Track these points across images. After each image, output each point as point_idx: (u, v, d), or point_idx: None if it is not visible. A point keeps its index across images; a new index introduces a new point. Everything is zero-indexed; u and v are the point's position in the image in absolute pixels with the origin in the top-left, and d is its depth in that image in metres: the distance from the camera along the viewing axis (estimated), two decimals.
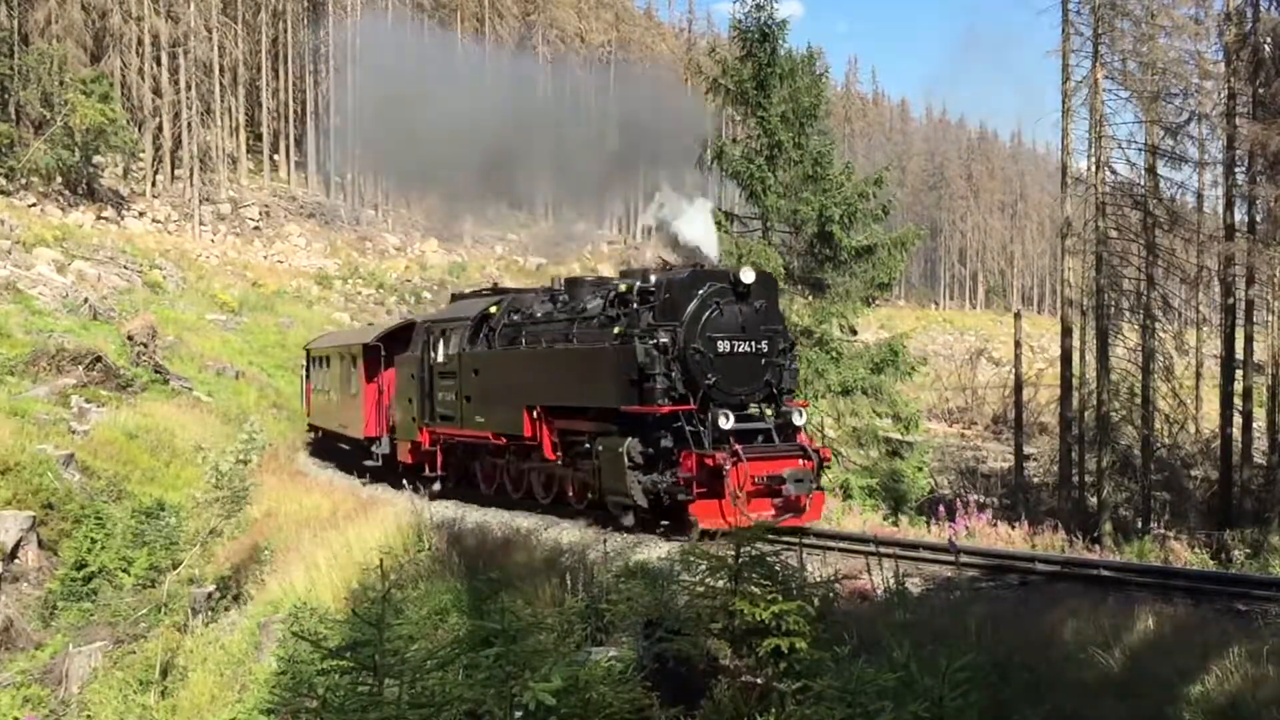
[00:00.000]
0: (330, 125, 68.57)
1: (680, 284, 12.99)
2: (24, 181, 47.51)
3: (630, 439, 12.72)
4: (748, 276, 12.99)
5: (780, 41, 23.49)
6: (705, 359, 12.59)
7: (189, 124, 57.93)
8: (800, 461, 12.38)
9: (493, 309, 16.70)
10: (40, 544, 17.59)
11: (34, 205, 46.38)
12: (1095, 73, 24.48)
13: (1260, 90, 22.88)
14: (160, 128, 57.43)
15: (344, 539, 13.88)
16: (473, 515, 15.38)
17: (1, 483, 18.08)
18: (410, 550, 13.11)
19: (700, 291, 12.85)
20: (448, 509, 16.22)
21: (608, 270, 63.51)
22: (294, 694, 6.86)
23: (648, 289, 13.32)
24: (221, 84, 62.83)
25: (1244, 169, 24.02)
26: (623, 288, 13.67)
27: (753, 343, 12.95)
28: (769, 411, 13.20)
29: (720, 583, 6.56)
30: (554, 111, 18.60)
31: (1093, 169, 25.32)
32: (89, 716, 12.89)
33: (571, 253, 72.47)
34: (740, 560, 6.39)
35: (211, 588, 15.64)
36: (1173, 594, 8.89)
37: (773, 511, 12.11)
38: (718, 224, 23.89)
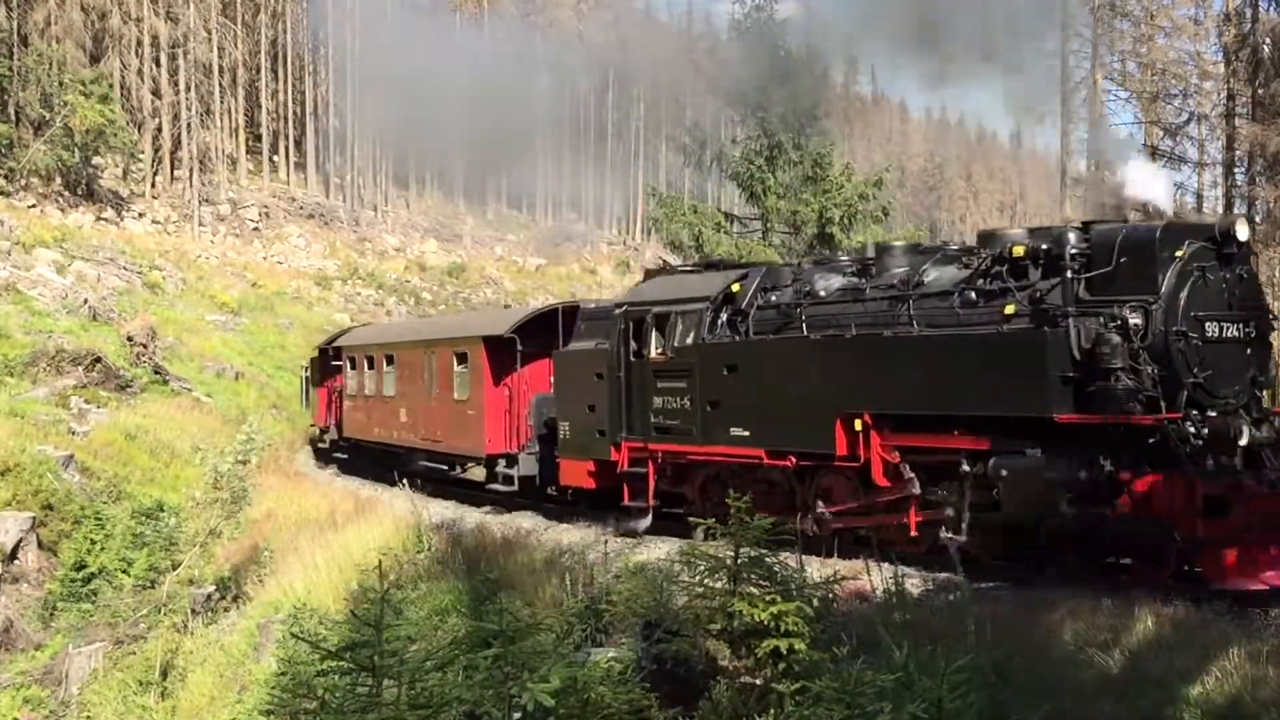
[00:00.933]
0: (329, 126, 68.58)
1: (1150, 242, 9.32)
2: (24, 182, 47.46)
3: (1062, 461, 9.11)
4: (1243, 232, 9.63)
5: (780, 42, 23.53)
6: (1191, 348, 9.16)
7: (188, 125, 57.87)
8: None
9: (735, 286, 12.84)
10: (40, 545, 17.61)
11: (33, 206, 46.33)
12: (1095, 73, 24.47)
13: (1259, 91, 22.85)
14: (160, 129, 57.35)
15: (343, 540, 13.91)
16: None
17: (1, 484, 18.10)
18: (410, 551, 13.15)
19: (1179, 253, 9.26)
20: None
21: (607, 270, 63.37)
22: (293, 695, 6.86)
23: (1072, 250, 9.54)
24: (221, 85, 62.79)
25: (1244, 169, 24.00)
26: (1018, 250, 9.91)
27: (1241, 325, 9.55)
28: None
29: (719, 583, 6.56)
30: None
31: (1092, 169, 25.30)
32: (89, 717, 12.93)
33: (571, 253, 72.47)
34: (739, 561, 6.39)
35: (211, 589, 15.66)
36: (1173, 594, 8.86)
37: None
38: (717, 225, 23.93)
